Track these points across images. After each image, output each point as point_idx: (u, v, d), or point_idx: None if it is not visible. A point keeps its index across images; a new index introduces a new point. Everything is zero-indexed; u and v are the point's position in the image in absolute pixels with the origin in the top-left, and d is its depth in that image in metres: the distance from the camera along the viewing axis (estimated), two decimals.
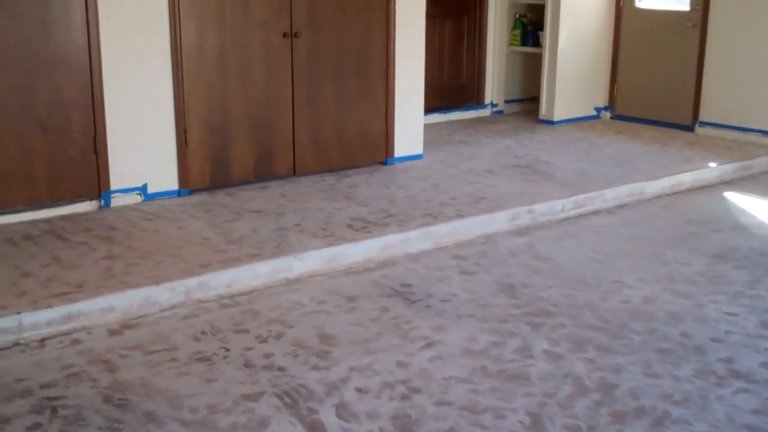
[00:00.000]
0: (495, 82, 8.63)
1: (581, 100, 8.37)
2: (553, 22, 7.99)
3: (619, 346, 3.77)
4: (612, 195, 5.90)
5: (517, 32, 8.62)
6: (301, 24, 5.76)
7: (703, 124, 7.80)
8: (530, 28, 8.63)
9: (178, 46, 5.27)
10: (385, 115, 6.33)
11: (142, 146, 5.26)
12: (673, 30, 7.90)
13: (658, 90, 8.10)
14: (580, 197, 5.71)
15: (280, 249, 4.53)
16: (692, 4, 7.73)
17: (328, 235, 4.76)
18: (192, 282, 4.10)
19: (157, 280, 4.04)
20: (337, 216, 5.14)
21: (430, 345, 3.74)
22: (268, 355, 3.61)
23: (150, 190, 5.35)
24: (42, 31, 4.80)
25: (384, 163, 6.42)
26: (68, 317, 3.75)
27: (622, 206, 5.92)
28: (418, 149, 6.62)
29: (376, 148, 6.36)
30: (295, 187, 5.77)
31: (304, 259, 4.47)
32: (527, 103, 9.03)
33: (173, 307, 4.04)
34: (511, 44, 8.68)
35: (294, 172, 5.97)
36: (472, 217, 5.17)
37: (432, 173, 6.20)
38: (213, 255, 4.43)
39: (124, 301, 3.90)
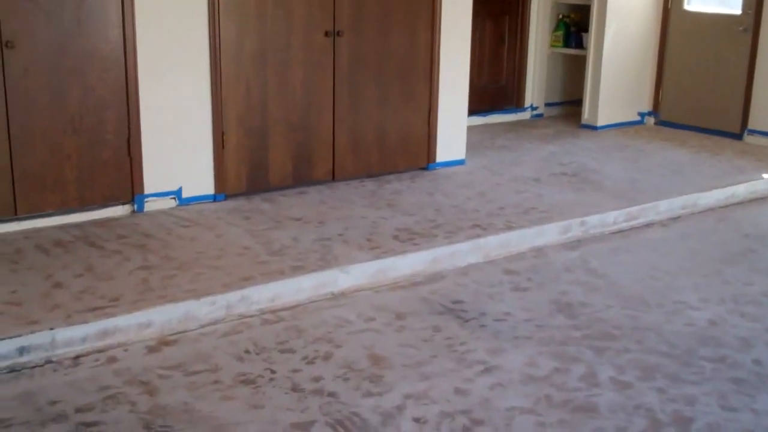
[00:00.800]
0: (536, 85, 8.37)
1: (625, 105, 8.09)
2: (599, 24, 7.71)
3: (689, 375, 3.51)
4: (665, 207, 5.64)
5: (560, 33, 8.35)
6: (343, 23, 5.53)
7: (752, 132, 7.51)
8: (573, 29, 8.35)
9: (217, 45, 5.05)
10: (427, 119, 6.09)
11: (177, 149, 5.04)
12: (723, 34, 7.61)
13: (705, 96, 7.81)
14: (633, 209, 5.45)
15: (324, 261, 4.30)
16: (744, 8, 7.43)
17: (374, 247, 4.53)
18: (233, 296, 3.88)
19: (197, 294, 3.82)
20: (381, 225, 4.90)
21: (488, 370, 3.50)
22: (317, 379, 3.38)
23: (185, 194, 5.13)
24: (77, 28, 4.59)
25: (426, 169, 6.18)
26: (104, 333, 3.54)
27: (675, 219, 5.65)
28: (461, 155, 6.38)
29: (418, 153, 6.13)
30: (334, 193, 5.54)
31: (350, 273, 4.24)
32: (568, 106, 8.76)
33: (214, 322, 3.82)
34: (552, 46, 8.41)
35: (333, 177, 5.74)
36: (522, 229, 4.92)
37: (476, 180, 5.96)
38: (254, 267, 4.21)
39: (162, 317, 3.68)
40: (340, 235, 4.72)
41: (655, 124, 8.22)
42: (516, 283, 4.45)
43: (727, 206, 5.98)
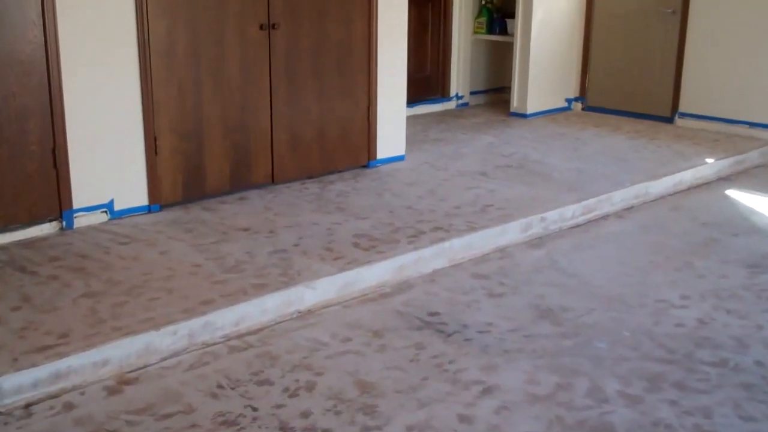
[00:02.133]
0: (460, 73, 8.15)
1: (553, 92, 7.96)
2: (526, 9, 7.53)
3: (697, 383, 3.32)
4: (619, 198, 5.49)
5: (483, 19, 8.15)
6: (278, 14, 5.14)
7: (684, 115, 7.47)
8: (496, 15, 8.16)
9: (146, 43, 4.60)
10: (367, 113, 5.77)
11: (106, 158, 4.58)
12: (651, 16, 7.54)
13: (634, 80, 7.74)
14: (590, 202, 5.27)
15: (287, 277, 3.93)
16: None
17: (337, 257, 4.19)
18: (196, 323, 3.48)
19: (155, 324, 3.41)
20: (337, 232, 4.56)
21: (487, 391, 3.23)
22: (305, 414, 3.04)
23: (117, 206, 4.67)
24: None
25: (366, 167, 5.87)
26: (56, 376, 3.11)
27: (629, 209, 5.51)
28: (401, 150, 6.09)
29: (359, 151, 5.80)
30: (277, 197, 5.17)
31: (316, 288, 3.90)
32: (492, 94, 8.58)
33: (176, 353, 3.42)
34: (476, 32, 8.20)
35: (273, 179, 5.36)
36: (485, 230, 4.67)
37: (421, 177, 5.67)
38: (212, 287, 3.81)
39: (119, 352, 3.26)
40: (296, 245, 4.36)
41: (583, 109, 8.12)
42: (489, 289, 4.18)
43: (675, 193, 5.89)
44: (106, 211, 4.63)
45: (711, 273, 4.46)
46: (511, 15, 8.03)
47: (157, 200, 4.81)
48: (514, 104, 7.78)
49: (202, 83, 4.88)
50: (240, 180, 5.19)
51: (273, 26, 5.12)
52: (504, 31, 8.14)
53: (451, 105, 8.15)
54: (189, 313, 3.52)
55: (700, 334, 3.74)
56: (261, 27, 5.07)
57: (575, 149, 6.54)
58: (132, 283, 3.84)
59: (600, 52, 7.94)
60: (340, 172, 5.72)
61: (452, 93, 8.14)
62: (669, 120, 7.55)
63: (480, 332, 3.72)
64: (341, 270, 4.02)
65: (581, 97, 8.13)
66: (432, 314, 3.88)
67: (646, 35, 7.59)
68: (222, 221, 4.71)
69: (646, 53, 7.61)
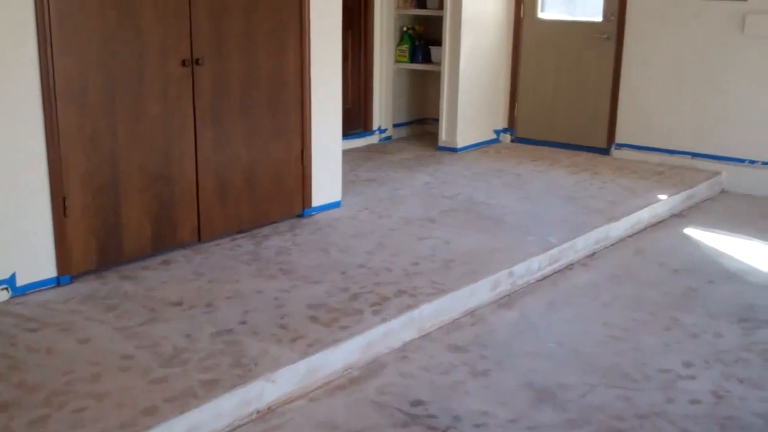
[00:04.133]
0: (383, 105, 7.60)
1: (481, 124, 7.51)
2: (453, 37, 7.06)
3: None
4: (582, 245, 5.05)
5: (405, 47, 7.64)
6: (203, 48, 4.48)
7: (621, 146, 7.14)
8: (419, 42, 7.66)
9: (52, 86, 3.87)
10: (301, 156, 5.15)
11: (6, 224, 3.81)
12: (583, 43, 7.19)
13: (567, 110, 7.37)
14: (554, 251, 4.80)
15: (240, 368, 3.27)
16: (606, 15, 7.04)
17: (296, 337, 3.55)
18: None
19: None
20: (288, 303, 3.92)
21: None
22: None
23: (20, 281, 3.91)
24: None
25: (302, 216, 5.24)
26: None
27: (591, 255, 5.07)
28: (337, 195, 5.49)
29: (293, 198, 5.17)
30: (207, 259, 4.48)
31: (276, 380, 3.26)
32: (415, 126, 8.09)
33: None
34: (398, 61, 7.68)
35: (199, 237, 4.67)
36: (453, 292, 4.11)
37: (365, 226, 5.08)
38: (151, 388, 3.11)
39: None
40: (243, 322, 3.70)
41: (512, 141, 7.70)
42: (471, 365, 3.63)
43: (634, 234, 5.49)
44: (6, 288, 3.86)
45: (703, 331, 4.04)
46: (435, 42, 7.57)
47: (68, 270, 4.07)
48: (443, 138, 7.29)
49: (118, 129, 4.17)
50: (163, 240, 4.48)
51: (197, 62, 4.45)
52: (428, 59, 7.65)
53: (374, 139, 7.60)
54: (128, 428, 2.81)
55: (722, 413, 3.29)
56: (183, 63, 4.40)
57: (519, 188, 6.08)
58: (51, 387, 3.10)
59: (529, 80, 7.54)
60: (273, 223, 5.07)
61: (375, 126, 7.58)
62: (605, 151, 7.21)
63: (477, 426, 3.16)
64: (303, 355, 3.39)
65: (510, 128, 7.72)
66: (415, 403, 3.30)
67: (578, 63, 7.23)
68: (148, 294, 3.99)
69: (579, 82, 7.25)
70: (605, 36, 7.04)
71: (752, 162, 6.52)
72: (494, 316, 4.16)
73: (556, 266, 4.81)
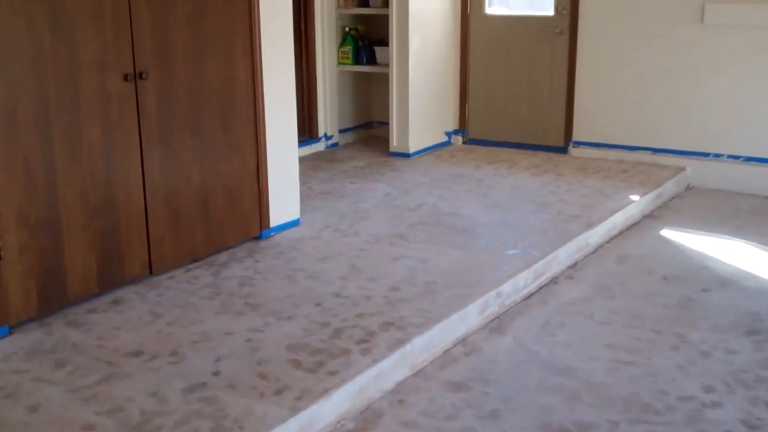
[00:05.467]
0: (328, 110, 7.17)
1: (432, 126, 7.15)
2: (401, 37, 6.67)
3: None
4: (564, 255, 4.72)
5: (348, 49, 7.22)
6: (146, 60, 4.00)
7: (578, 144, 6.85)
8: (362, 43, 7.25)
9: None
10: (256, 173, 4.70)
11: None
12: (535, 38, 6.88)
13: (521, 108, 7.06)
14: (539, 265, 4.46)
15: (222, 431, 2.81)
16: (557, 9, 6.73)
17: (280, 389, 3.11)
18: None
19: None
20: (263, 345, 3.48)
21: None
22: None
23: None
24: None
25: (260, 238, 4.78)
26: None
27: (574, 266, 4.75)
28: (295, 213, 5.05)
29: (249, 219, 4.72)
30: (162, 295, 4.00)
31: None
32: (360, 130, 7.69)
33: None
34: (341, 63, 7.26)
35: (151, 270, 4.19)
36: (444, 320, 3.72)
37: (331, 247, 4.66)
38: None
39: None
40: (217, 373, 3.24)
41: (464, 143, 7.37)
42: (477, 406, 3.25)
43: (611, 240, 5.19)
44: None
45: (714, 348, 3.74)
46: (379, 42, 7.17)
47: (6, 319, 3.55)
48: (394, 143, 6.90)
49: (54, 156, 3.66)
50: (110, 276, 3.99)
51: (140, 75, 3.96)
52: (372, 60, 7.25)
53: (320, 147, 7.17)
54: None
55: None
56: (125, 77, 3.90)
57: (484, 194, 5.72)
58: None
59: (479, 79, 7.21)
60: (230, 248, 4.61)
61: (321, 133, 7.15)
62: (562, 150, 6.92)
63: None
64: (293, 411, 2.96)
65: (461, 129, 7.38)
66: None
67: (531, 59, 6.92)
68: (101, 343, 3.50)
69: (533, 79, 6.95)
70: (558, 31, 6.74)
71: (717, 156, 6.30)
72: (488, 344, 3.79)
73: (541, 281, 4.47)
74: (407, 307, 3.83)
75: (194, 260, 4.42)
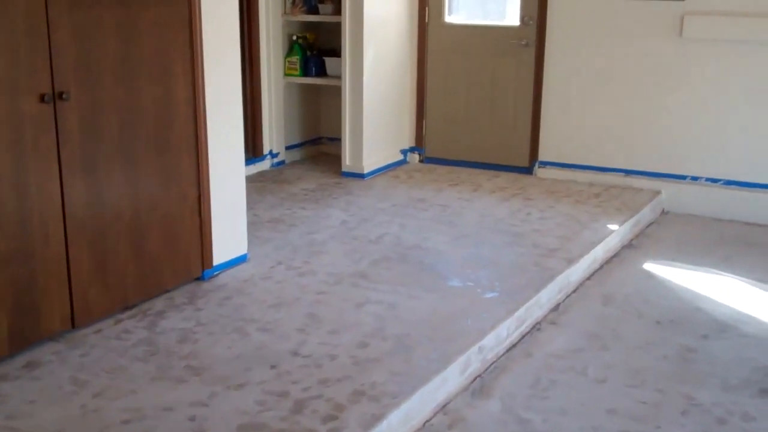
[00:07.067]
0: (274, 126, 6.59)
1: (387, 143, 6.62)
2: (354, 47, 6.11)
3: None
4: (546, 297, 4.22)
5: (296, 59, 6.65)
6: (67, 78, 3.38)
7: (545, 164, 6.38)
8: (311, 53, 6.68)
9: None
10: (198, 205, 4.10)
11: None
12: (499, 50, 6.40)
13: (481, 125, 6.58)
14: (521, 312, 3.95)
15: None
16: (523, 19, 6.26)
17: None
18: None
19: None
20: (210, 425, 2.89)
21: None
22: None
23: None
24: None
25: (201, 279, 4.18)
26: None
27: (556, 309, 4.25)
28: (242, 248, 4.46)
29: (189, 258, 4.12)
30: (86, 355, 3.39)
31: None
32: (308, 147, 7.11)
33: None
34: (288, 74, 6.68)
35: (73, 323, 3.56)
36: (423, 387, 3.17)
37: (285, 291, 4.08)
38: None
39: None
40: None
41: (421, 161, 6.85)
42: None
43: (591, 276, 4.72)
44: None
45: (729, 413, 3.27)
46: (329, 52, 6.62)
47: None
48: (347, 162, 6.34)
49: None
50: (25, 334, 3.36)
51: (60, 96, 3.34)
52: (322, 72, 6.69)
53: (265, 165, 6.58)
54: None
55: None
56: (42, 98, 3.28)
57: (451, 223, 5.20)
58: None
59: (438, 93, 6.70)
60: (167, 292, 4.00)
61: (266, 150, 6.56)
62: (528, 171, 6.44)
63: None
64: None
65: (418, 147, 6.85)
66: None
67: (494, 72, 6.44)
68: (11, 425, 2.87)
69: (496, 94, 6.46)
70: (524, 42, 6.26)
71: (694, 179, 5.89)
72: (473, 411, 3.26)
73: (523, 328, 3.96)
74: (379, 370, 3.27)
75: (126, 308, 3.80)
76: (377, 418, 2.92)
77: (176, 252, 4.01)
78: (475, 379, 3.51)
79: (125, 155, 3.67)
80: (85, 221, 3.52)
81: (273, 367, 3.29)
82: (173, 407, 2.98)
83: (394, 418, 2.98)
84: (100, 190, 3.57)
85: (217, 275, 4.24)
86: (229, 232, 4.31)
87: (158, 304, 3.89)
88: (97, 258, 3.61)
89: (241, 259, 4.42)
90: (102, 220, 3.60)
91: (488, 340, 3.63)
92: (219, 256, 4.26)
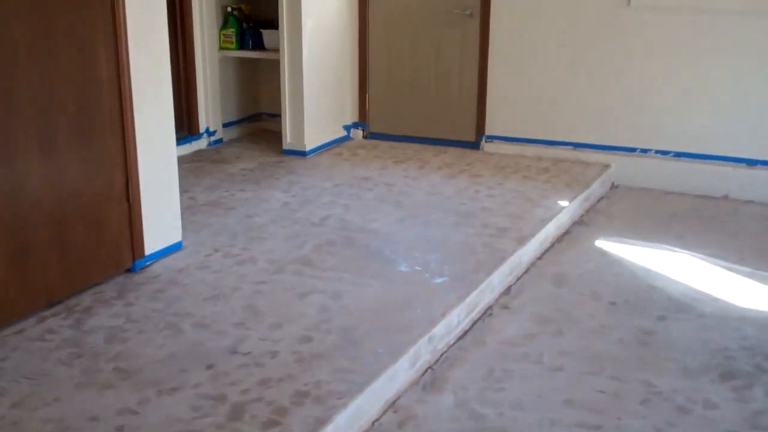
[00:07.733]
0: (210, 102, 6.29)
1: (329, 120, 6.37)
2: (292, 19, 5.85)
3: None
4: (498, 280, 4.04)
5: (231, 31, 6.36)
6: None
7: (492, 138, 6.20)
8: (247, 25, 6.39)
9: None
10: (125, 191, 3.83)
11: None
12: (443, 21, 6.19)
13: (426, 99, 6.37)
14: (472, 296, 3.77)
15: None
16: None
17: None
18: None
19: None
20: None
21: None
22: None
23: None
24: None
25: (132, 270, 3.91)
26: None
27: (507, 292, 4.08)
28: (176, 235, 4.19)
29: (118, 248, 3.85)
30: (7, 359, 3.13)
31: None
32: (246, 124, 6.83)
33: None
34: (223, 48, 6.38)
35: None
36: (371, 384, 2.97)
37: (222, 280, 3.84)
38: None
39: None
40: None
41: (365, 137, 6.62)
42: None
43: (543, 255, 4.55)
44: None
45: (691, 401, 3.14)
46: (266, 24, 6.34)
47: None
48: (288, 140, 6.08)
49: None
50: None
51: None
52: (259, 45, 6.40)
53: (202, 144, 6.29)
54: None
55: None
56: None
57: (397, 203, 5.00)
58: None
59: (381, 66, 6.47)
60: (96, 286, 3.73)
61: (202, 129, 6.26)
62: (475, 145, 6.26)
63: None
64: None
65: (361, 123, 6.61)
66: None
67: (438, 44, 6.22)
68: None
69: (440, 66, 6.25)
70: (468, 12, 6.05)
71: (644, 151, 5.76)
72: (424, 407, 3.07)
73: (474, 314, 3.79)
74: (324, 367, 3.06)
75: (50, 304, 3.52)
76: (322, 422, 2.71)
77: (103, 242, 3.74)
78: (425, 371, 3.32)
79: (43, 142, 3.39)
80: (0, 212, 3.23)
81: (209, 367, 3.06)
82: (99, 416, 2.74)
83: (341, 419, 2.77)
84: (16, 181, 3.28)
85: (149, 266, 3.98)
86: (161, 219, 4.05)
87: (86, 299, 3.62)
88: (16, 252, 3.33)
89: (175, 248, 4.16)
90: (18, 212, 3.31)
91: (439, 329, 3.44)
92: (151, 245, 4.00)
